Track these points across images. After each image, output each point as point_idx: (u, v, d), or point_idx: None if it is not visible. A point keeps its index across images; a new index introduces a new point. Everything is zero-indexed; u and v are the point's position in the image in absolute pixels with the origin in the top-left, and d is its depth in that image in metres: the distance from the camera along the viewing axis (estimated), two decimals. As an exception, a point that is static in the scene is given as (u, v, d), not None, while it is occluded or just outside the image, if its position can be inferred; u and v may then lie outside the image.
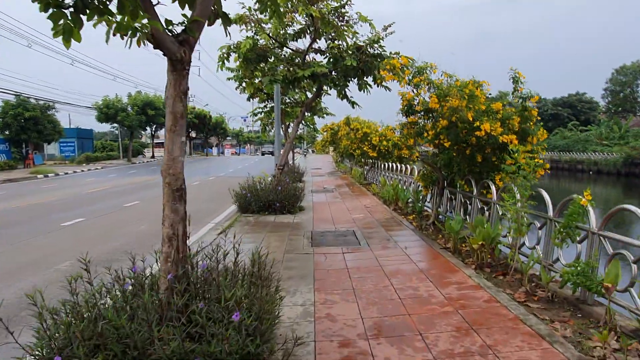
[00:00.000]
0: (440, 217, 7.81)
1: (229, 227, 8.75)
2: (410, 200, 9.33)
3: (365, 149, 15.43)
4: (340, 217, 9.45)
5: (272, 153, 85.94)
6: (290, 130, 25.86)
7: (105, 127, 46.58)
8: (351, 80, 10.73)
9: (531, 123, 6.52)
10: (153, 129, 46.57)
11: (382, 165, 14.92)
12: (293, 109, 19.59)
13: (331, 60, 10.09)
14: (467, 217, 6.84)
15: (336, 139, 31.44)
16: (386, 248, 6.60)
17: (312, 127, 25.37)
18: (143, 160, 43.52)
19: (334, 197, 13.15)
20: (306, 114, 24.72)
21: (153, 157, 48.93)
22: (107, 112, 37.86)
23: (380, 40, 10.03)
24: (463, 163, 6.86)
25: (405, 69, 7.04)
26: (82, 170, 30.38)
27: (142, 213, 11.39)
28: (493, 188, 6.04)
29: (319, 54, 10.85)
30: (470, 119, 6.21)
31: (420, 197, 9.11)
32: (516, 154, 4.82)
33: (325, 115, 18.78)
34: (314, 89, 15.52)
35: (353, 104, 11.18)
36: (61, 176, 26.38)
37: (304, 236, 7.57)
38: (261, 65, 10.23)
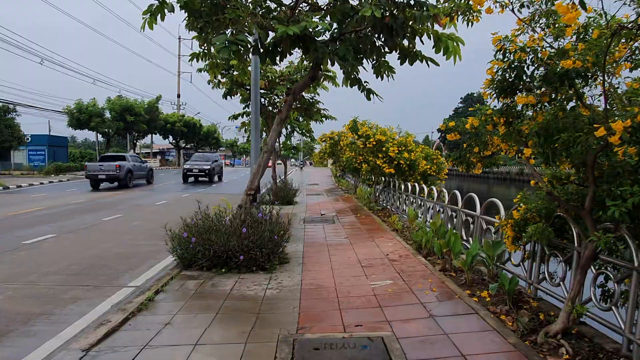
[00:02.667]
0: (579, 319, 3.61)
1: (147, 303, 4.62)
2: (478, 258, 5.16)
3: (379, 162, 11.31)
4: (350, 286, 5.30)
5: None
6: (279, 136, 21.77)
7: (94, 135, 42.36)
8: (367, 53, 6.63)
9: None
10: (134, 137, 42.31)
11: (403, 186, 10.78)
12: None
13: (337, 16, 6.00)
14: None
15: (336, 150, 27.40)
16: None
17: (308, 135, 21.28)
18: (121, 172, 39.28)
19: (336, 234, 8.99)
20: (301, 119, 20.71)
21: (134, 167, 44.57)
22: (80, 117, 33.75)
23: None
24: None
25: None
26: (42, 183, 26.08)
27: (60, 252, 7.14)
28: None
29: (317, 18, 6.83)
30: None
31: (505, 256, 5.00)
32: None
33: (323, 119, 14.74)
34: (308, 66, 11.76)
35: (369, 93, 7.04)
36: (10, 190, 22.07)
37: (281, 347, 3.41)
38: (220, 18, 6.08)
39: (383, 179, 13.24)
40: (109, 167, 22.08)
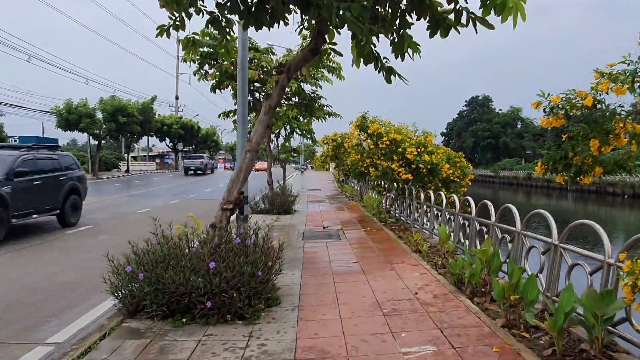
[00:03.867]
0: None
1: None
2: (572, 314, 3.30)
3: (394, 166, 9.47)
4: (371, 354, 3.44)
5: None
6: (275, 143, 19.99)
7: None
8: (388, 20, 4.82)
9: None
10: (128, 139, 40.44)
11: (422, 195, 8.92)
12: (282, 107, 13.73)
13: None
14: None
15: (339, 153, 25.51)
16: None
17: (309, 136, 19.45)
18: (114, 175, 37.49)
19: (343, 256, 7.14)
20: (301, 118, 19.00)
21: (128, 171, 42.67)
22: (69, 117, 31.96)
23: None
24: None
25: None
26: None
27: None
28: None
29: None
30: None
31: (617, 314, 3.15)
32: None
33: (327, 116, 12.93)
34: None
35: (389, 74, 5.19)
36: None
37: None
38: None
39: (395, 185, 11.40)
40: (196, 162, 41.89)
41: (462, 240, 6.35)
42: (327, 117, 12.80)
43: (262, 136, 5.02)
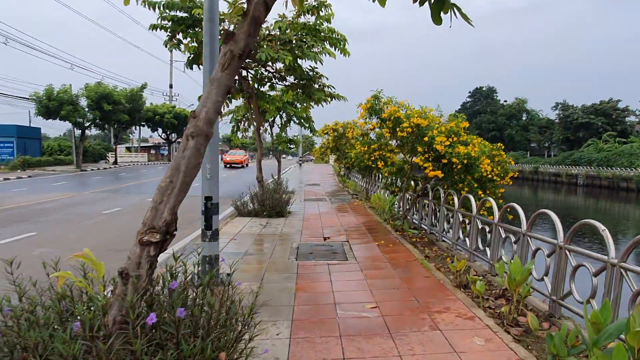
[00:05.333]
0: None
1: None
2: None
3: (417, 160, 7.22)
4: None
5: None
6: (272, 133, 17.72)
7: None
8: None
9: None
10: (116, 129, 37.94)
11: (456, 199, 6.69)
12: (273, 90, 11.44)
13: None
14: None
15: (341, 145, 23.24)
16: None
17: (307, 125, 17.20)
18: (99, 167, 35.17)
19: (353, 290, 4.93)
20: (298, 105, 16.76)
21: (116, 163, 40.19)
22: (49, 104, 29.55)
23: None
24: None
25: None
26: (-7, 180, 22.08)
27: None
28: None
29: None
30: None
31: None
32: None
33: (327, 99, 10.63)
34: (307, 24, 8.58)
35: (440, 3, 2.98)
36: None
37: None
38: None
39: (413, 183, 9.18)
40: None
41: (533, 274, 4.14)
42: (329, 100, 10.49)
43: (219, 108, 2.79)
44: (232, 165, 38.51)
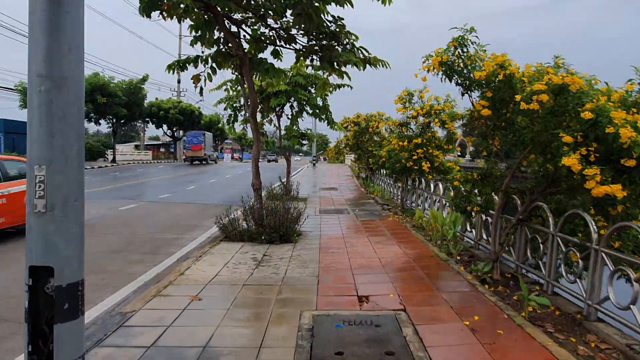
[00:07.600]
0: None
1: None
2: None
3: (569, 161, 3.60)
4: None
5: (275, 160, 73.89)
6: (275, 124, 14.16)
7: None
8: None
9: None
10: (113, 124, 34.72)
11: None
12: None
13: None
14: None
15: (362, 142, 19.57)
16: None
17: (323, 115, 13.65)
18: (94, 166, 32.07)
19: None
20: (313, 90, 13.32)
21: (114, 161, 36.85)
22: (35, 96, 26.48)
23: None
24: None
25: None
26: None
27: None
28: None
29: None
30: None
31: None
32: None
33: (360, 64, 6.97)
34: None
35: None
36: None
37: None
38: None
39: (497, 198, 5.53)
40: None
41: None
42: (361, 66, 6.84)
43: None
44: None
